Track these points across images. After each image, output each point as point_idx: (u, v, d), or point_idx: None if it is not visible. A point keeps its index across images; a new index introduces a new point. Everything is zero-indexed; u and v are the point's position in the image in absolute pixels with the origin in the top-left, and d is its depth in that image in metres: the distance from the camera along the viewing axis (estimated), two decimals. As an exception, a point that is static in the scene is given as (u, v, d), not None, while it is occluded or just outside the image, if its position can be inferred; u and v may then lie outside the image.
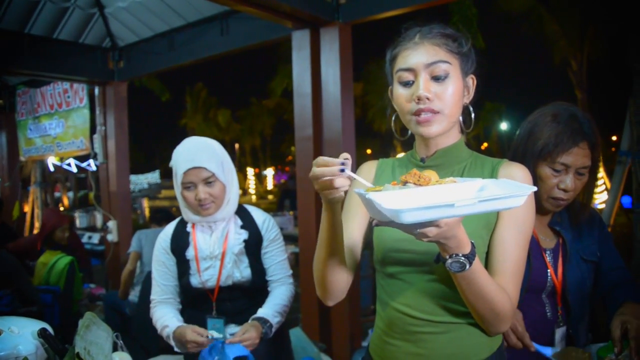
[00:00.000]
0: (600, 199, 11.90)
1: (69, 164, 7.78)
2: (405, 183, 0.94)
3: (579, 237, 1.51)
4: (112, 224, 4.45)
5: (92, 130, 4.75)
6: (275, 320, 1.79)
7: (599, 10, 11.55)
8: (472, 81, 1.17)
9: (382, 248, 1.17)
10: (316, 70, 3.01)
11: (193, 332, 1.68)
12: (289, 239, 4.44)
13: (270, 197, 27.56)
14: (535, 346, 1.33)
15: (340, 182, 0.95)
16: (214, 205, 1.78)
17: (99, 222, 5.06)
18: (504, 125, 26.46)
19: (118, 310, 3.82)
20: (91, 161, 5.21)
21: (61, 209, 13.63)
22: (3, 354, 1.14)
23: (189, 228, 1.85)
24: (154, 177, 25.33)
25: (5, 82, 5.97)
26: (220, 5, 3.17)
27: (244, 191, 27.81)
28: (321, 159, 0.95)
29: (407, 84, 1.13)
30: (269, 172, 39.05)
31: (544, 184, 1.43)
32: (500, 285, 1.05)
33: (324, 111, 3.00)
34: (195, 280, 1.80)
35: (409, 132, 1.18)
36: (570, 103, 1.51)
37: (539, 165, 1.44)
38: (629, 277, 1.50)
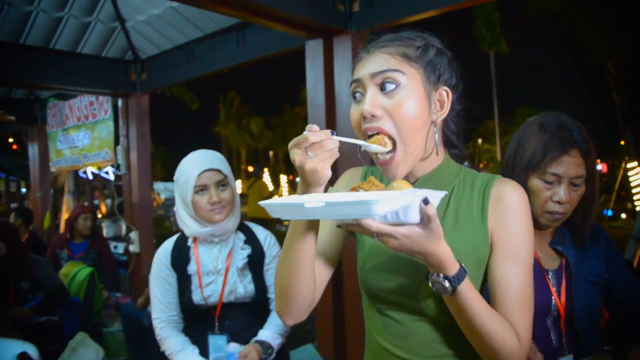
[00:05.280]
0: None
1: (107, 172, 7.95)
2: (357, 189, 0.91)
3: (583, 257, 1.40)
4: (134, 234, 4.50)
5: (116, 141, 4.83)
6: (276, 342, 1.75)
7: (636, 10, 11.12)
8: (446, 94, 1.03)
9: (366, 285, 1.09)
10: (329, 81, 2.96)
11: None
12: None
13: (303, 204, 27.40)
14: None
15: (333, 144, 0.87)
16: (224, 211, 1.77)
17: (124, 232, 5.14)
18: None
19: (136, 321, 3.83)
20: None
21: (99, 216, 14.06)
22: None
23: (189, 243, 1.83)
24: (187, 184, 25.57)
25: (38, 95, 6.14)
26: (235, 17, 3.16)
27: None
28: (312, 127, 0.88)
29: (358, 100, 1.03)
30: (302, 179, 39.28)
31: (537, 198, 1.34)
32: (506, 320, 0.95)
33: (337, 122, 2.94)
34: (197, 297, 1.77)
35: None
36: (559, 112, 1.41)
37: (530, 178, 1.35)
38: None
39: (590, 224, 1.41)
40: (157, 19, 3.87)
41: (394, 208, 0.79)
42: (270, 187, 22.85)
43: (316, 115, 3.00)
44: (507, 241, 1.00)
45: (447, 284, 0.88)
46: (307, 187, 0.92)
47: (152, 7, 3.75)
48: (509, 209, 1.01)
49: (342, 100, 2.92)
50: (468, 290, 0.90)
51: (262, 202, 0.84)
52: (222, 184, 1.78)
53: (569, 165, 1.32)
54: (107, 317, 4.59)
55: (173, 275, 1.79)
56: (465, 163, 1.15)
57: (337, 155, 0.90)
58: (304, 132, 0.88)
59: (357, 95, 1.04)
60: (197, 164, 1.77)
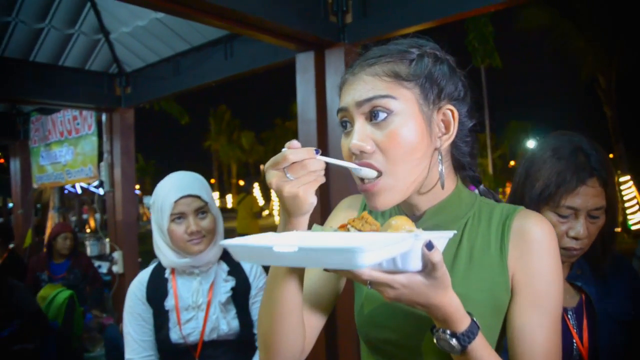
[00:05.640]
0: (635, 219, 11.44)
1: (96, 187, 7.73)
2: (348, 228, 0.77)
3: (606, 293, 1.25)
4: (117, 254, 4.30)
5: (100, 157, 4.65)
6: None
7: (629, 24, 11.15)
8: (450, 113, 0.88)
9: (364, 334, 0.94)
10: (321, 95, 2.83)
11: None
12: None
13: (293, 218, 27.26)
14: None
15: (317, 164, 0.74)
16: (204, 241, 1.60)
17: (108, 250, 4.95)
18: (530, 144, 26.06)
19: (119, 345, 3.64)
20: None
21: (87, 230, 13.81)
22: None
23: (167, 274, 1.66)
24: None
25: (20, 109, 5.96)
26: (223, 29, 3.04)
27: (269, 213, 27.77)
28: (291, 144, 0.75)
29: (346, 131, 0.89)
30: (294, 194, 39.67)
31: None
32: None
33: (329, 139, 2.80)
34: (175, 335, 1.60)
35: None
36: (575, 132, 1.26)
37: (542, 212, 1.19)
38: None
39: (611, 256, 1.27)
40: (142, 31, 3.73)
41: (386, 257, 0.64)
42: (261, 202, 22.67)
43: (307, 131, 2.86)
44: (531, 286, 0.85)
45: (454, 342, 0.74)
46: (288, 216, 0.79)
47: (136, 19, 3.62)
48: (534, 246, 0.86)
49: (335, 115, 2.77)
50: (480, 349, 0.75)
51: (223, 242, 0.70)
52: (202, 211, 1.61)
53: (587, 196, 1.17)
54: (89, 340, 4.38)
55: (149, 311, 1.62)
56: (481, 187, 1.00)
57: (322, 179, 0.76)
58: (283, 150, 0.74)
59: (346, 125, 0.89)
60: (174, 189, 1.59)
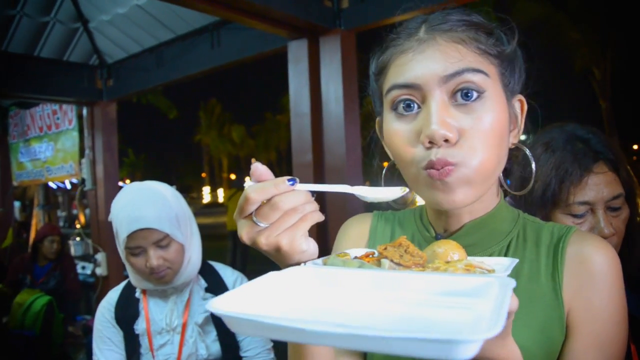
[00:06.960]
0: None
1: (83, 182, 7.50)
2: (380, 259, 0.56)
3: None
4: (100, 256, 4.08)
5: (82, 153, 4.41)
6: None
7: (623, 15, 11.05)
8: (520, 105, 0.73)
9: None
10: (316, 86, 2.61)
11: None
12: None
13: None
14: None
15: (295, 199, 0.54)
16: (170, 272, 1.37)
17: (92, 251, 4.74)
18: (522, 137, 26.13)
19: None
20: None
21: (77, 226, 13.52)
22: None
23: (138, 294, 1.45)
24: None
25: (-1, 103, 5.70)
26: (210, 15, 2.82)
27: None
28: (254, 169, 0.56)
29: (407, 114, 0.66)
30: (285, 187, 40.15)
31: None
32: None
33: (325, 134, 2.59)
34: None
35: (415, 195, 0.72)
36: (566, 121, 1.11)
37: (552, 216, 1.02)
38: None
39: None
40: (123, 19, 3.50)
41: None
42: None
43: (300, 125, 2.65)
44: (592, 325, 0.68)
45: None
46: (283, 267, 0.59)
47: (116, 6, 3.38)
48: (596, 278, 0.69)
49: (330, 108, 2.58)
50: None
51: (215, 309, 0.45)
52: (161, 244, 1.35)
53: (598, 186, 1.01)
54: (71, 346, 4.18)
55: (119, 334, 1.42)
56: (507, 198, 0.82)
57: (316, 216, 0.57)
58: (245, 186, 0.54)
59: (405, 106, 0.67)
60: (126, 220, 1.33)
